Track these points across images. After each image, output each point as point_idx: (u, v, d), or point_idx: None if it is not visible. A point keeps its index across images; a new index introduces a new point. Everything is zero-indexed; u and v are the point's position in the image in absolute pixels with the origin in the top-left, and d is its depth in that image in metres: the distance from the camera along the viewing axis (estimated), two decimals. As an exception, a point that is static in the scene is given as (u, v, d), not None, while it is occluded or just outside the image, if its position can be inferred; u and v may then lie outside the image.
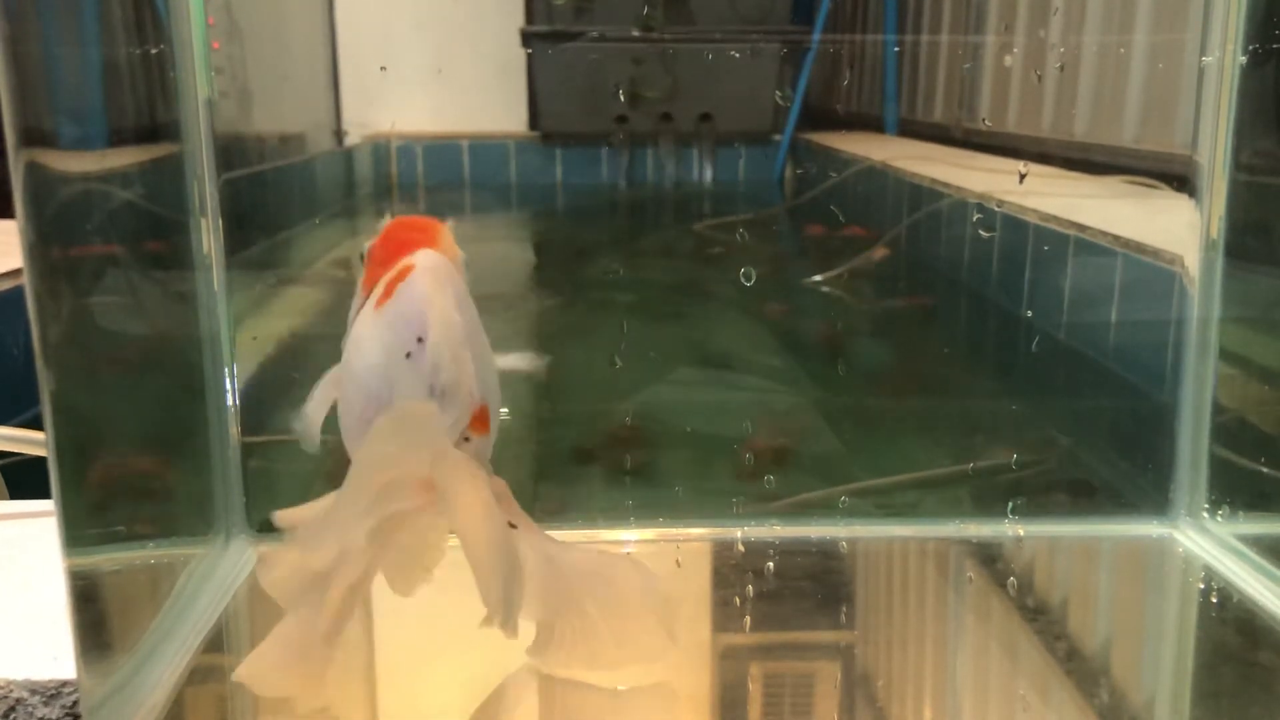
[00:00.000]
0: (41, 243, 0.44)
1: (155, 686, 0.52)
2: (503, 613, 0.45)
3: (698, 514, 0.72)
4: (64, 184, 0.48)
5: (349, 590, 0.48)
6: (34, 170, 0.43)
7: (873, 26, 1.01)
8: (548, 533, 0.52)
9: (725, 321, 1.05)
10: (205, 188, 0.64)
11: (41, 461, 0.45)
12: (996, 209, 0.81)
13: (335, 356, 0.51)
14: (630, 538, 0.70)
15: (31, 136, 0.43)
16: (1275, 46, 0.65)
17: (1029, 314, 0.87)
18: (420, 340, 0.46)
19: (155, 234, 0.61)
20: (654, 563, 0.68)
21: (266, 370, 0.70)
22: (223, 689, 0.56)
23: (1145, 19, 0.84)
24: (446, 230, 0.50)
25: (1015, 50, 0.80)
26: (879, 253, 0.99)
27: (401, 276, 0.47)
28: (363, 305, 0.49)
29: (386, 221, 0.51)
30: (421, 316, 0.46)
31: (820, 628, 0.61)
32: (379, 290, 0.48)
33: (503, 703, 0.54)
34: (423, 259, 0.47)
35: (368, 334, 0.48)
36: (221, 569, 0.64)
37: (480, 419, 0.48)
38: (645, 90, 0.98)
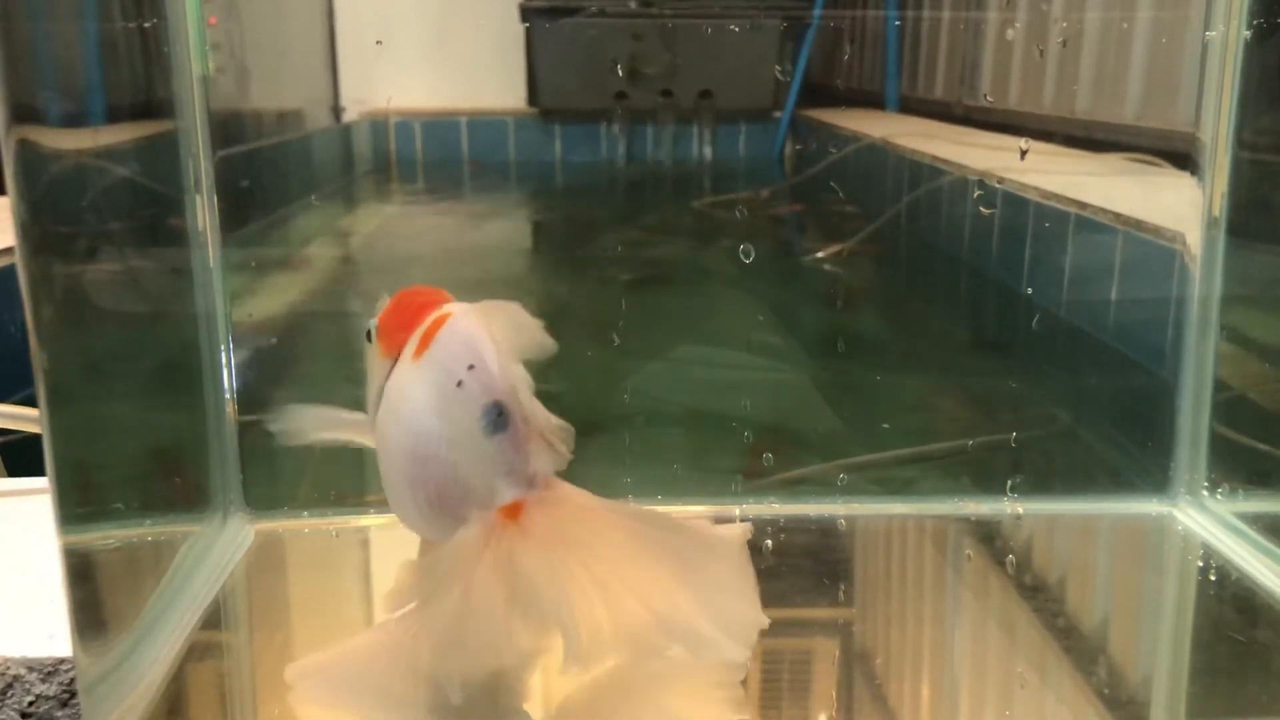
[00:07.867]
0: (34, 221, 0.44)
1: (152, 664, 0.52)
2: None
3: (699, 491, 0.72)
4: (56, 161, 0.47)
5: None
6: (26, 148, 0.43)
7: (874, 2, 1.00)
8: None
9: (724, 299, 1.05)
10: (201, 164, 0.63)
11: (40, 439, 0.45)
12: (997, 186, 0.80)
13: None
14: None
15: (22, 113, 0.43)
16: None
17: (1029, 291, 0.86)
18: (471, 367, 0.46)
19: (150, 211, 0.60)
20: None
21: (263, 347, 0.70)
22: (220, 666, 0.56)
23: (1148, -6, 0.83)
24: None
25: (1017, 25, 0.80)
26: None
27: (438, 325, 0.48)
28: (391, 370, 0.49)
29: (386, 299, 0.51)
30: (469, 347, 0.46)
31: (819, 605, 0.61)
32: (412, 345, 0.48)
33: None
34: (457, 307, 0.48)
35: (410, 381, 0.48)
36: (219, 547, 0.64)
37: None
38: (645, 66, 0.97)
